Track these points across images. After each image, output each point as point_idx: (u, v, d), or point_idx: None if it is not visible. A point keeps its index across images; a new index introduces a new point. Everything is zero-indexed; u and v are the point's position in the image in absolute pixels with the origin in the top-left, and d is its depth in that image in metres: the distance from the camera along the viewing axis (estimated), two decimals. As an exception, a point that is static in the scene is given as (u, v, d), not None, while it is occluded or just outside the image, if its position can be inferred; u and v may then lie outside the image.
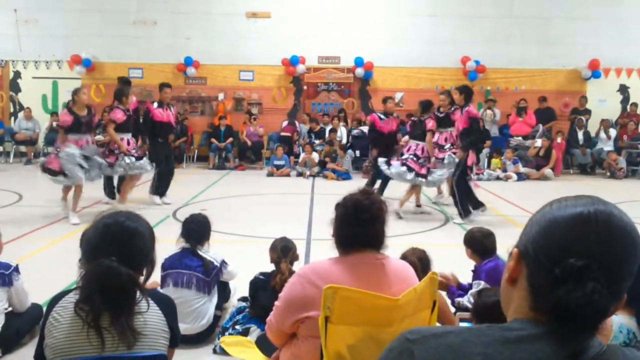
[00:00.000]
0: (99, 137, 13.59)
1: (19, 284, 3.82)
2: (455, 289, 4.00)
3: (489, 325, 1.03)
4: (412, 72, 14.88)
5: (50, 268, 5.41)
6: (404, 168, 8.20)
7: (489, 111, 14.04)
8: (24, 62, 15.14)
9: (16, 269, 3.80)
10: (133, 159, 8.15)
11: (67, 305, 1.92)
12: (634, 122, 14.23)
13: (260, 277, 3.94)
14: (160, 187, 9.02)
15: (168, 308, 2.06)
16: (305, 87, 15.16)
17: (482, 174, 12.50)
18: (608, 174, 13.36)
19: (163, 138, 9.06)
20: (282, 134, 14.19)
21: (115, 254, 1.92)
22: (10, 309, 3.87)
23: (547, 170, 12.91)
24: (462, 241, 4.15)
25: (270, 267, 3.92)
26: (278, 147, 13.29)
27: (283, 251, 3.84)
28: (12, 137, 14.51)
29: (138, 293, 1.95)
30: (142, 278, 2.11)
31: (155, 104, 8.95)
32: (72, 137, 7.77)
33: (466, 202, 7.87)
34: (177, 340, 2.10)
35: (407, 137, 9.45)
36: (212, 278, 4.07)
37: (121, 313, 1.88)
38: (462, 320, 2.95)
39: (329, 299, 2.15)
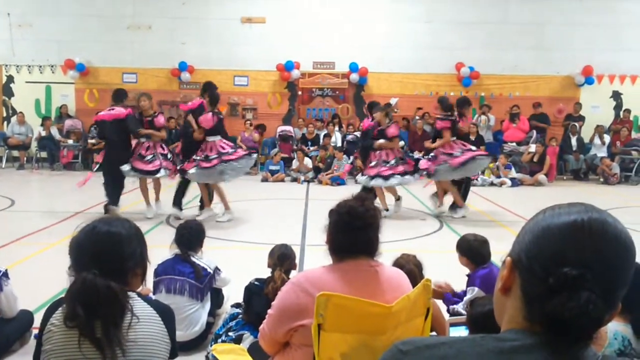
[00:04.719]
0: (93, 142, 13.63)
1: (9, 290, 3.77)
2: (450, 296, 3.98)
3: (482, 336, 1.01)
4: (406, 78, 14.91)
5: (43, 274, 5.36)
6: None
7: (483, 117, 14.09)
8: (17, 66, 15.08)
9: (5, 274, 3.76)
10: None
11: (62, 316, 1.91)
12: (627, 128, 14.31)
13: (256, 283, 3.91)
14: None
15: (169, 318, 2.04)
16: (299, 93, 15.17)
17: (477, 179, 12.53)
18: (601, 179, 13.41)
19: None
20: (281, 133, 14.26)
21: (96, 263, 1.89)
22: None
23: (540, 176, 12.94)
24: (456, 248, 4.11)
25: (266, 273, 3.90)
26: (277, 153, 13.32)
27: (280, 259, 3.81)
28: (4, 141, 14.43)
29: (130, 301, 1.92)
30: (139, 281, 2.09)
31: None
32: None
33: None
34: (176, 351, 2.08)
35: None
36: (205, 285, 4.05)
37: (107, 325, 1.85)
38: (452, 325, 2.93)
39: (322, 306, 2.14)
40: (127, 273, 2.00)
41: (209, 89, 8.20)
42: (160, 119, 8.43)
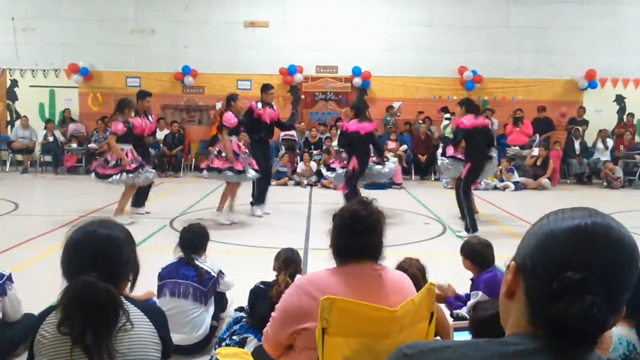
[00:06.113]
0: (93, 146, 13.67)
1: (13, 293, 3.78)
2: (453, 300, 3.97)
3: (487, 340, 1.02)
4: (409, 82, 14.92)
5: (47, 277, 5.34)
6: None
7: (486, 120, 14.06)
8: (21, 70, 15.13)
9: (9, 278, 3.76)
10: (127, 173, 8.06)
11: (53, 323, 1.88)
12: (630, 132, 14.30)
13: (261, 286, 3.91)
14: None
15: (159, 319, 2.03)
16: (303, 97, 15.19)
17: (480, 183, 12.51)
18: (605, 183, 13.38)
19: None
20: (284, 137, 14.25)
21: (92, 267, 1.87)
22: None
23: (544, 180, 12.92)
24: (459, 252, 4.10)
25: (271, 276, 3.90)
26: (283, 155, 13.34)
27: (285, 263, 3.82)
28: (8, 145, 14.48)
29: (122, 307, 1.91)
30: (129, 285, 2.09)
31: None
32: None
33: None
34: (170, 351, 2.07)
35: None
36: (209, 288, 4.05)
37: (99, 332, 1.83)
38: (457, 329, 2.92)
39: (326, 310, 2.14)
40: (120, 278, 2.00)
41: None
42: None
